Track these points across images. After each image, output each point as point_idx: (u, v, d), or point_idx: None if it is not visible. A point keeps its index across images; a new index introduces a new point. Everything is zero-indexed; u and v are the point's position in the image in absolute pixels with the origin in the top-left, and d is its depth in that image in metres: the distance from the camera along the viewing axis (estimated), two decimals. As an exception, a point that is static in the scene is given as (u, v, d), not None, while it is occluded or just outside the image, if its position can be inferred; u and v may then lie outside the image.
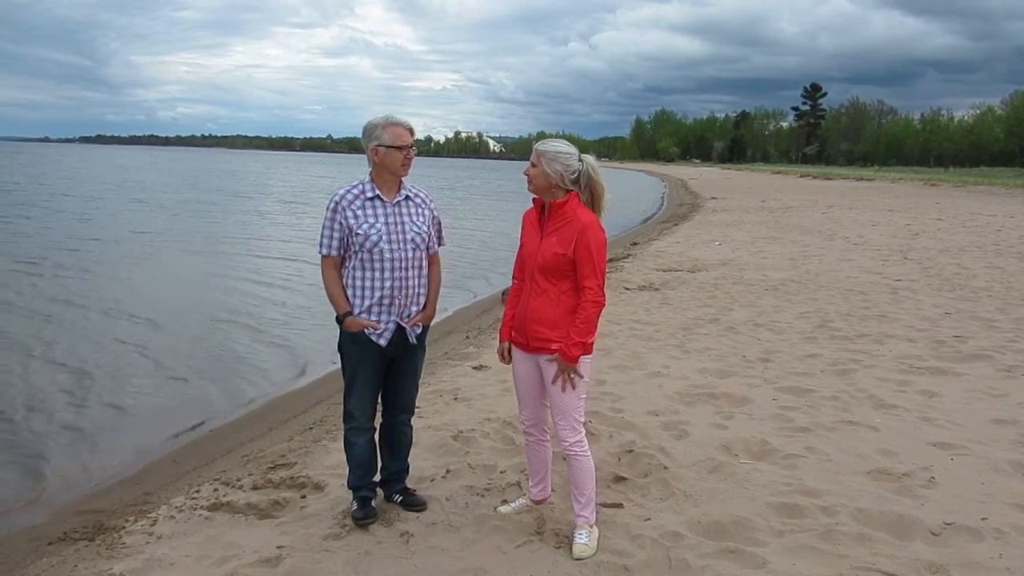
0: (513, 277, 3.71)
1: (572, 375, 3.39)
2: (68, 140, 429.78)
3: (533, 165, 3.40)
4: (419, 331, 3.76)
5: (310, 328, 9.48)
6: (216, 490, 4.27)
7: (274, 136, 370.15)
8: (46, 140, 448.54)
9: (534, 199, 3.52)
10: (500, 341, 3.71)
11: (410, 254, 3.63)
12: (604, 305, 3.39)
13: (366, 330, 3.60)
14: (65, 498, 4.89)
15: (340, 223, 3.58)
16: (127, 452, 5.69)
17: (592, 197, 3.44)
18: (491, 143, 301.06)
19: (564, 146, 3.42)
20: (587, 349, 3.41)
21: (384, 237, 3.58)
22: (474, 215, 28.93)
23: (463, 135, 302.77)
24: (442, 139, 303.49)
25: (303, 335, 9.22)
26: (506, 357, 3.69)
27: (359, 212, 3.59)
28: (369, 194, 3.63)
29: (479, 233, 21.95)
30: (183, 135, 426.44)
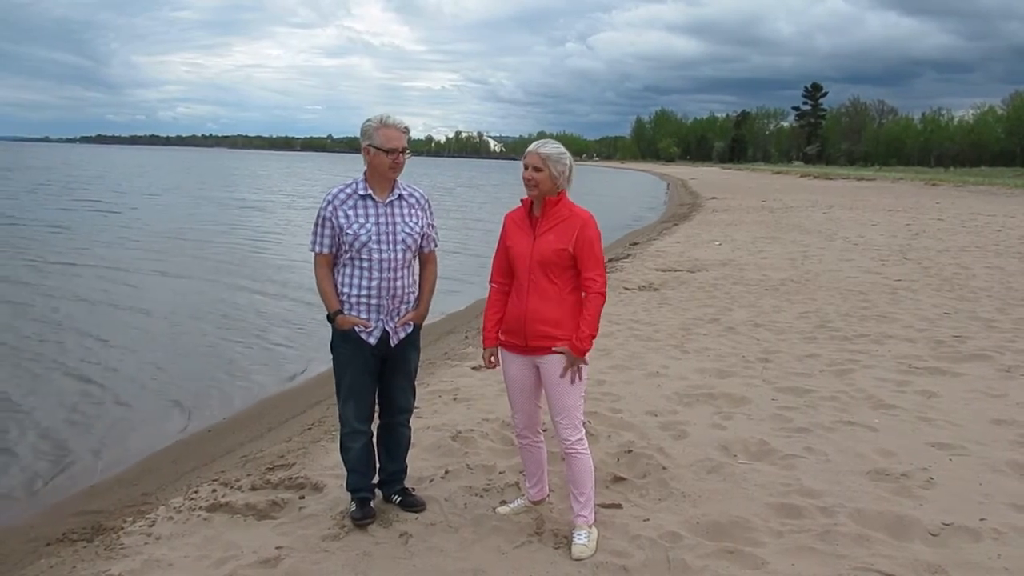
0: (491, 281, 3.70)
1: (579, 367, 3.41)
2: (69, 140, 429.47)
3: (538, 169, 3.37)
4: (409, 330, 3.76)
5: (312, 326, 9.47)
6: (215, 491, 4.27)
7: (275, 136, 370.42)
8: (47, 140, 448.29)
9: (523, 199, 3.53)
10: (485, 347, 3.67)
11: (399, 255, 3.62)
12: (605, 297, 3.43)
13: (356, 328, 3.61)
14: (63, 499, 4.88)
15: (332, 222, 3.59)
16: (125, 453, 5.68)
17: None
18: (491, 143, 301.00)
19: (561, 146, 3.48)
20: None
21: (374, 237, 3.58)
22: (475, 214, 28.90)
23: (464, 135, 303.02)
24: (443, 139, 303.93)
25: (305, 333, 9.21)
26: (491, 363, 3.66)
27: (350, 212, 3.59)
28: (361, 193, 3.63)
29: (479, 232, 21.92)
30: (184, 135, 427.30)
